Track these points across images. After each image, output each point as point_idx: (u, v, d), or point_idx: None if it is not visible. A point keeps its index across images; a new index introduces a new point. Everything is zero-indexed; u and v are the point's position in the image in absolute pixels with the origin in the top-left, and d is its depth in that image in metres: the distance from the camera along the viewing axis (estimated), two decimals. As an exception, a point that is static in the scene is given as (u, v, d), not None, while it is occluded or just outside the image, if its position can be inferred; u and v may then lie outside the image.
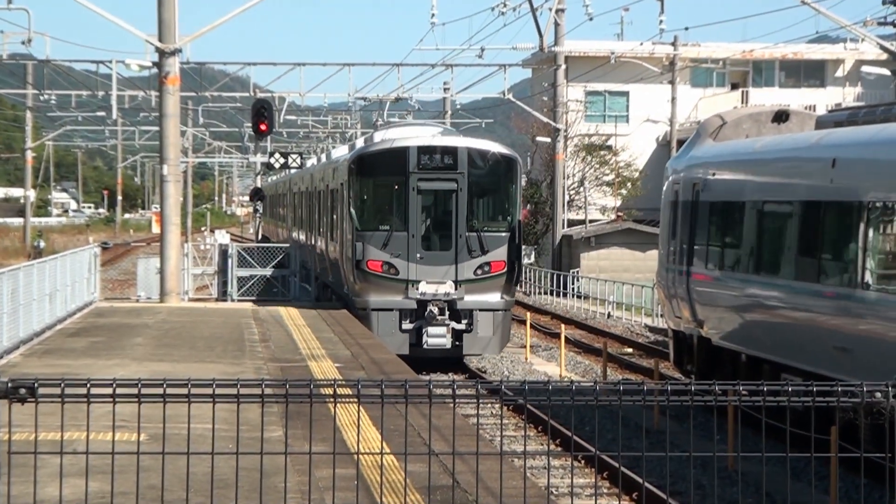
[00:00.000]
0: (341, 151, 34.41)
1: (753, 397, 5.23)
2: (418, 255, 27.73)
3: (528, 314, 34.68)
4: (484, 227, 27.92)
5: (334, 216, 30.99)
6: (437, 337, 27.53)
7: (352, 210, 28.25)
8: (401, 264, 27.66)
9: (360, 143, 33.20)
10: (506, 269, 27.81)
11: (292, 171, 43.55)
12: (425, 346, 27.53)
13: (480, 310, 27.60)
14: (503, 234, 27.85)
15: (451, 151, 27.84)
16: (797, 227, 18.50)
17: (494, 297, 27.77)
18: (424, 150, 27.81)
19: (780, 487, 16.05)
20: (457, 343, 27.78)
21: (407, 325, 27.70)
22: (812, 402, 5.16)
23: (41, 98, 63.03)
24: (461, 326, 27.75)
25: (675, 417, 20.85)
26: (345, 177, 28.75)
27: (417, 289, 27.63)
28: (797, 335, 18.35)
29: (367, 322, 27.58)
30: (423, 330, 27.60)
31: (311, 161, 41.53)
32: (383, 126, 32.13)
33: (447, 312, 27.68)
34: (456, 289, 27.61)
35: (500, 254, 27.72)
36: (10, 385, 4.68)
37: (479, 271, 27.72)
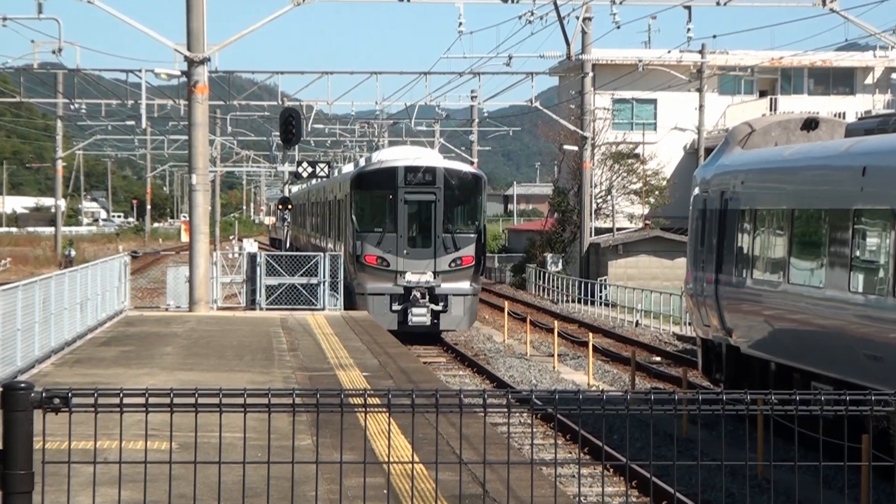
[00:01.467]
0: (348, 169, 42.53)
1: (785, 406, 5.21)
2: (405, 252, 34.71)
3: (556, 322, 34.63)
4: (456, 229, 35.06)
5: (340, 221, 38.50)
6: (420, 316, 34.33)
7: (353, 216, 35.58)
8: (391, 258, 34.66)
9: (362, 162, 40.42)
10: (474, 262, 34.98)
11: (310, 183, 47.36)
12: (410, 324, 34.28)
13: (454, 295, 34.57)
14: (472, 235, 35.10)
15: (431, 171, 35.23)
16: (827, 236, 18.42)
17: (465, 285, 34.77)
18: (410, 170, 35.20)
19: (811, 496, 15.97)
20: (434, 321, 34.67)
21: (396, 307, 34.49)
22: (845, 411, 5.13)
23: (71, 107, 63.45)
24: (438, 308, 34.60)
25: (703, 426, 20.77)
26: (347, 189, 36.32)
27: (404, 278, 34.56)
28: (828, 343, 18.26)
29: (365, 304, 34.29)
30: (409, 310, 34.39)
31: (334, 173, 46.01)
32: (378, 150, 39.92)
33: (427, 297, 34.50)
34: (434, 278, 34.53)
35: (469, 250, 34.81)
36: (44, 395, 4.71)
37: (452, 264, 34.73)
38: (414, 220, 35.12)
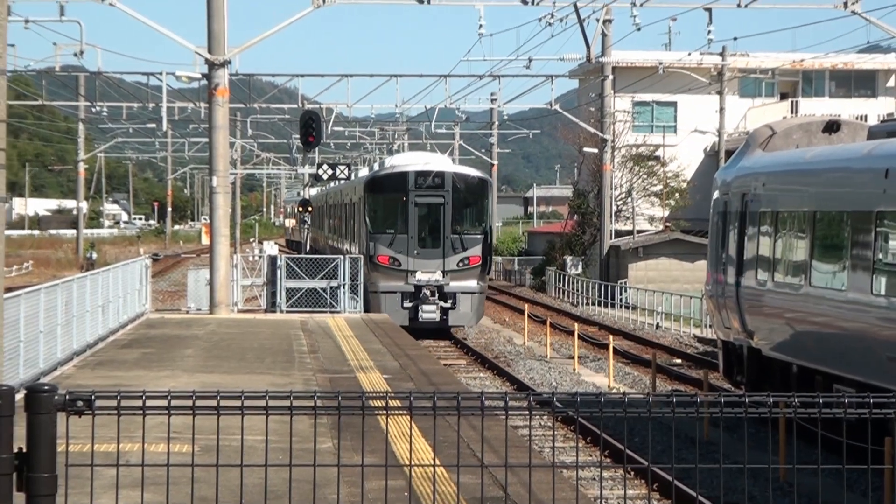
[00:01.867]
0: (363, 173, 43.65)
1: (808, 409, 5.18)
2: (416, 252, 36.58)
3: (576, 325, 34.59)
4: (464, 231, 37.00)
5: (354, 223, 40.59)
6: (430, 312, 36.21)
7: (366, 218, 37.35)
8: (403, 258, 36.48)
9: (375, 167, 42.23)
10: (481, 262, 36.91)
11: (327, 187, 48.76)
12: (420, 320, 36.09)
13: (462, 292, 36.54)
14: (479, 236, 37.03)
15: (440, 175, 37.15)
16: (849, 238, 18.35)
17: (472, 283, 36.77)
18: (420, 174, 37.05)
19: (833, 499, 15.90)
20: (444, 317, 36.55)
21: (407, 304, 36.26)
22: (869, 414, 5.11)
23: (93, 110, 63.67)
24: (447, 305, 36.52)
25: (724, 428, 20.71)
26: (361, 193, 38.25)
27: (415, 277, 36.42)
28: (850, 346, 18.19)
29: (377, 301, 35.81)
30: (419, 307, 36.24)
31: (353, 176, 47.56)
32: (392, 154, 41.64)
33: (437, 294, 36.38)
34: (443, 277, 36.48)
35: (476, 251, 36.75)
36: (67, 398, 4.72)
37: (460, 264, 36.62)
38: (424, 222, 37.06)
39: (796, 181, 21.10)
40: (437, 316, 36.37)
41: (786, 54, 64.67)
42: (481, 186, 37.96)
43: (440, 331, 36.80)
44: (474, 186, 37.71)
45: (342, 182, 46.17)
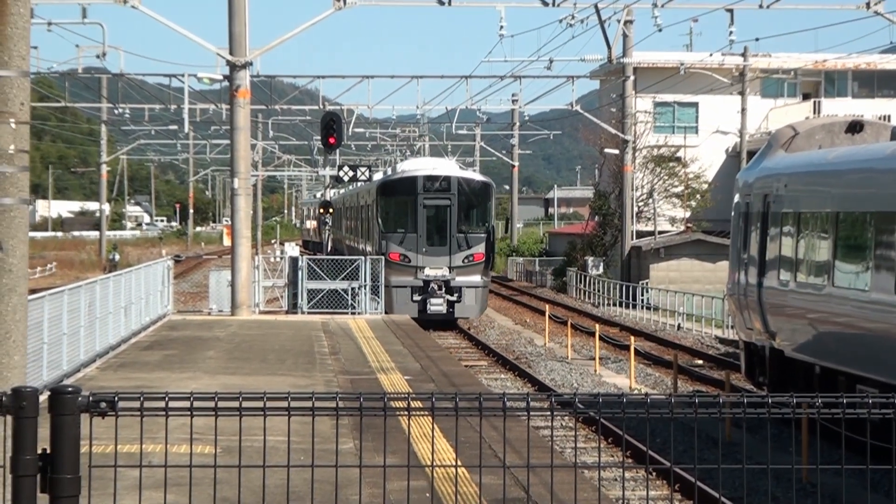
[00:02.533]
0: (377, 177, 46.31)
1: (832, 409, 5.16)
2: (424, 250, 39.22)
3: (597, 326, 34.54)
4: (468, 230, 39.73)
5: (368, 223, 43.42)
6: (437, 305, 38.98)
7: (379, 219, 40.13)
8: (412, 255, 39.17)
9: (389, 171, 45.42)
10: (484, 259, 39.83)
11: (345, 189, 51.06)
12: (429, 312, 38.72)
13: (467, 287, 39.40)
14: (482, 235, 39.80)
15: (447, 179, 40.05)
16: (873, 238, 18.27)
17: (476, 278, 39.67)
18: (428, 178, 40.02)
19: (855, 500, 15.84)
20: (450, 309, 39.33)
21: (416, 298, 38.88)
22: (893, 415, 5.08)
23: (115, 112, 63.90)
24: (453, 298, 39.28)
25: (747, 429, 20.65)
26: (374, 196, 41.11)
27: (423, 272, 39.06)
28: (873, 346, 18.11)
29: (389, 295, 37.51)
30: (427, 300, 38.93)
31: (373, 177, 49.41)
32: (403, 160, 44.55)
33: (444, 289, 39.12)
34: (450, 272, 39.25)
35: (480, 248, 39.55)
36: (91, 399, 4.74)
37: (465, 260, 39.42)
38: (432, 223, 39.83)
39: (819, 182, 21.02)
40: (444, 308, 39.22)
41: (808, 55, 64.40)
42: (484, 190, 40.92)
43: (447, 322, 39.66)
44: (478, 190, 40.68)
45: (357, 186, 48.69)
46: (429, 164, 44.14)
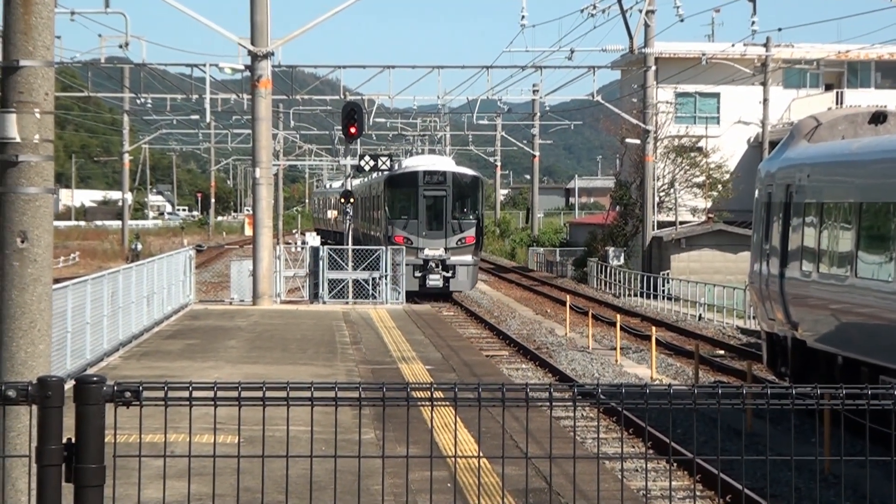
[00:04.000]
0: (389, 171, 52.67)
1: (856, 400, 5.15)
2: (423, 233, 45.97)
3: (618, 316, 34.49)
4: (461, 217, 46.49)
5: (377, 211, 50.42)
6: (434, 280, 45.77)
7: (386, 207, 47.31)
8: (414, 238, 45.73)
9: (396, 166, 49.46)
10: (474, 241, 46.58)
11: (355, 183, 56.63)
12: (427, 286, 45.55)
13: (459, 265, 46.19)
14: (473, 221, 46.70)
15: (443, 174, 46.95)
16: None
17: (468, 258, 46.47)
18: (427, 173, 46.89)
19: (878, 492, 15.79)
20: (446, 284, 46.18)
21: (417, 274, 44.98)
22: (917, 408, 5.06)
23: (137, 101, 64.03)
24: (448, 274, 46.11)
25: (766, 420, 20.59)
26: (382, 188, 48.05)
27: (423, 253, 45.64)
28: (896, 338, 18.03)
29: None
30: (426, 276, 45.55)
31: (395, 167, 53.42)
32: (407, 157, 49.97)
33: (440, 266, 45.94)
34: (445, 253, 45.90)
35: (471, 232, 46.25)
36: (116, 389, 4.75)
37: (458, 243, 46.06)
38: (430, 210, 46.40)
39: (842, 172, 20.93)
40: (440, 283, 45.97)
41: (831, 45, 64.08)
42: (475, 183, 48.19)
43: (442, 294, 46.53)
44: (469, 183, 47.73)
45: (368, 179, 55.19)
46: (429, 160, 51.66)
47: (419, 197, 46.25)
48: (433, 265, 45.67)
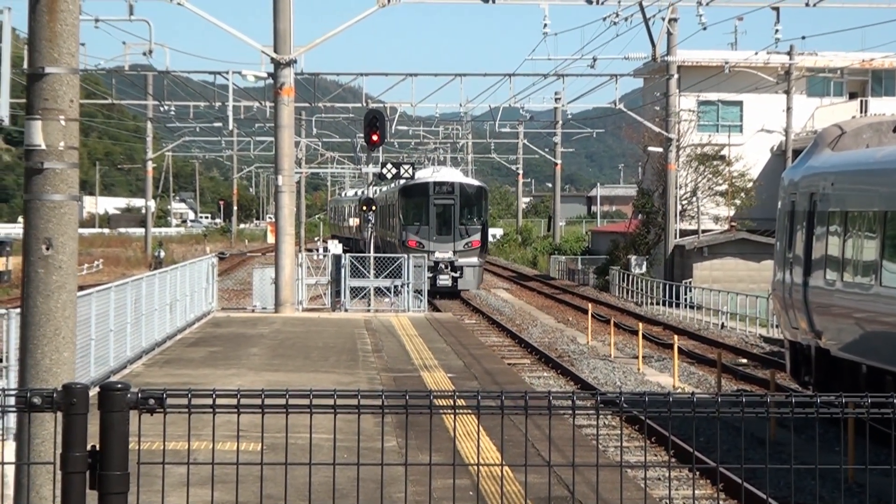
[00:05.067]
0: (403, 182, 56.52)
1: (882, 409, 5.12)
2: (434, 238, 51.11)
3: (640, 324, 34.41)
4: (468, 223, 51.77)
5: (392, 218, 55.46)
6: (444, 280, 50.41)
7: (400, 214, 52.44)
8: (425, 242, 50.76)
9: (410, 179, 53.26)
10: (480, 245, 51.98)
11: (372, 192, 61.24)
12: (438, 285, 49.44)
13: (467, 266, 51.42)
14: (478, 227, 51.98)
15: (451, 184, 52.34)
16: (919, 238, 18.10)
17: (474, 260, 51.78)
18: (437, 184, 52.24)
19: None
20: (454, 283, 51.04)
21: (429, 275, 44.26)
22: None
23: (161, 109, 64.28)
24: (456, 275, 51.24)
25: (788, 428, 20.52)
26: (396, 197, 53.24)
27: (434, 255, 49.68)
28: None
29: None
30: (437, 276, 49.44)
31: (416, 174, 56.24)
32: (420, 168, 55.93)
33: (449, 268, 50.87)
34: (454, 255, 51.06)
35: (477, 237, 51.62)
36: (139, 396, 4.76)
37: (465, 246, 51.33)
38: (440, 217, 51.66)
39: (867, 181, 20.85)
40: (449, 283, 50.66)
41: (855, 53, 63.83)
42: (480, 192, 53.47)
43: (451, 293, 50.95)
44: (475, 192, 52.95)
45: (384, 189, 59.97)
46: (438, 172, 56.28)
47: (430, 205, 51.54)
48: (443, 266, 50.48)
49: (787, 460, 17.78)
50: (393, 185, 53.08)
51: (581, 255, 76.97)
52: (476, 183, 55.23)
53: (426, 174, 54.80)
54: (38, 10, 7.80)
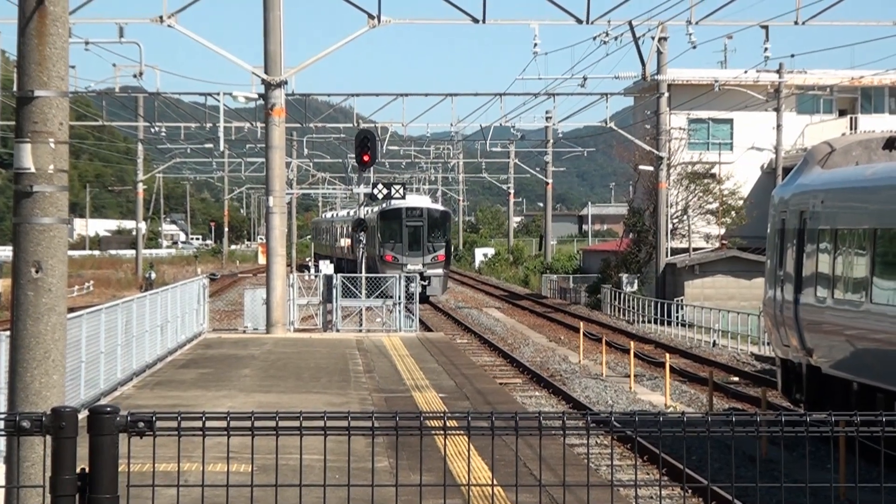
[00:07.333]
0: (381, 207, 65.22)
1: (871, 427, 5.13)
2: (407, 253, 61.41)
3: (632, 343, 34.41)
4: (434, 241, 62.19)
5: (372, 237, 60.22)
6: (414, 287, 54.78)
7: (379, 234, 61.56)
8: (400, 257, 61.05)
9: (386, 205, 61.75)
10: (445, 259, 62.65)
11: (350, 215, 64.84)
12: (409, 292, 53.28)
13: (434, 276, 61.74)
14: (443, 244, 62.72)
15: (420, 209, 62.90)
16: (909, 255, 18.14)
17: (439, 271, 62.36)
18: (409, 209, 62.07)
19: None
20: (423, 291, 56.89)
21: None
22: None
23: (151, 130, 64.28)
24: (425, 284, 59.53)
25: (779, 446, 20.52)
26: (376, 220, 61.88)
27: (406, 268, 57.15)
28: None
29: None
30: (408, 285, 53.59)
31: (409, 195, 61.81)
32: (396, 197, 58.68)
33: (420, 277, 53.65)
34: (423, 267, 60.54)
35: (442, 252, 62.24)
36: (129, 419, 4.75)
37: (432, 260, 61.71)
38: (412, 236, 62.01)
39: (856, 198, 20.90)
40: (419, 290, 57.20)
41: (844, 71, 64.06)
42: (444, 216, 65.20)
43: (421, 299, 54.47)
44: (440, 216, 64.20)
45: (365, 214, 69.09)
46: (411, 200, 64.34)
47: (403, 226, 62.01)
48: (415, 276, 56.73)
49: (779, 478, 17.78)
50: (371, 210, 60.99)
51: (573, 274, 77.01)
52: (441, 208, 68.23)
53: (399, 202, 61.88)
54: (27, 33, 7.81)
